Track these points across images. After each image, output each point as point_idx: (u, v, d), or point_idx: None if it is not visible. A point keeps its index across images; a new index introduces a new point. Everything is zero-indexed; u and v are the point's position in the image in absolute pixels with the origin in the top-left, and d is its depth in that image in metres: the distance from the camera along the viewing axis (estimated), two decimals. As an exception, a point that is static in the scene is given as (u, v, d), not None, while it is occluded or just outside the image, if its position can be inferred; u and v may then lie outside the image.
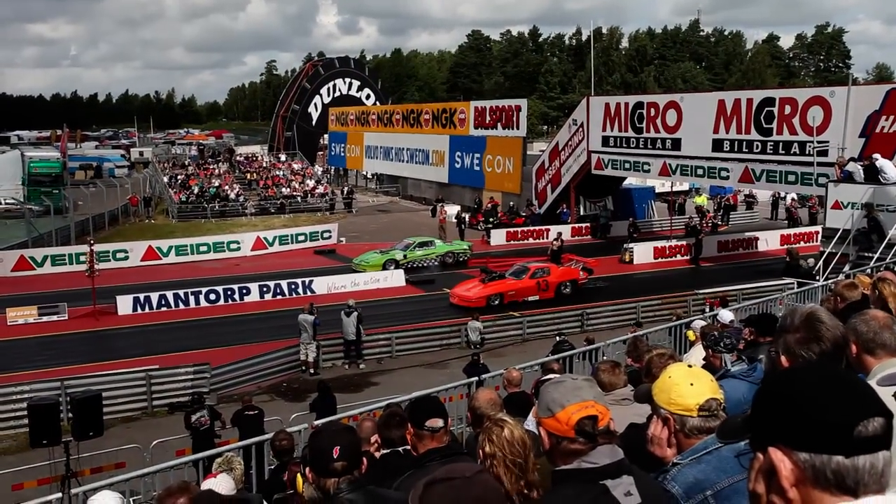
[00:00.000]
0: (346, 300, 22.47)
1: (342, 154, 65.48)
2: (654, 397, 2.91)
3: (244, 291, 28.00)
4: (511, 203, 43.66)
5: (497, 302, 26.31)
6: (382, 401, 11.69)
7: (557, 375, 7.79)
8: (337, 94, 70.48)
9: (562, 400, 2.61)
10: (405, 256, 32.67)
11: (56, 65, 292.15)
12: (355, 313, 21.39)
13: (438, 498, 2.28)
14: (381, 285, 29.22)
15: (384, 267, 31.69)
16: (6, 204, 48.86)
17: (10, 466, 14.07)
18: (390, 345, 22.46)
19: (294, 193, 52.23)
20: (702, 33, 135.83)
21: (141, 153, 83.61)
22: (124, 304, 26.45)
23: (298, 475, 3.61)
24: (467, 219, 40.52)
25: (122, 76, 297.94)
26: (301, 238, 39.22)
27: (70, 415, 14.05)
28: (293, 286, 28.49)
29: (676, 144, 34.33)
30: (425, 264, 32.80)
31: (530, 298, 26.70)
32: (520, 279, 27.21)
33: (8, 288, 29.72)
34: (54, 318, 25.52)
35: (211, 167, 56.21)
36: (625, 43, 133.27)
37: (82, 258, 29.01)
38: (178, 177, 52.83)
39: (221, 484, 6.82)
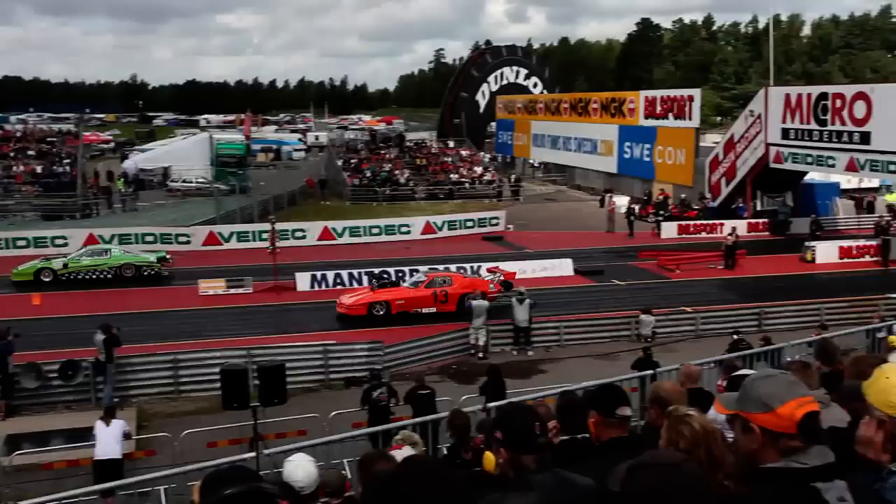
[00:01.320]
0: (518, 287, 22.65)
1: (509, 142, 65.71)
2: (869, 398, 2.79)
3: (414, 274, 28.74)
4: (683, 195, 42.50)
5: (382, 312, 24.07)
6: (554, 388, 11.80)
7: (753, 371, 7.63)
8: (504, 82, 70.59)
9: (781, 395, 2.51)
10: (66, 266, 28.63)
11: (240, 53, 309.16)
12: (527, 301, 21.55)
13: (644, 483, 2.23)
14: (548, 274, 29.17)
15: (36, 276, 28.14)
16: (197, 183, 52.14)
17: (205, 425, 15.12)
18: (559, 333, 22.41)
19: (462, 179, 52.92)
20: (895, 20, 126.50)
21: (316, 137, 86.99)
22: (303, 281, 27.83)
23: (488, 453, 3.70)
24: (637, 210, 39.85)
25: (300, 64, 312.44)
26: (469, 224, 39.67)
27: (257, 382, 15.01)
28: (462, 271, 29.00)
29: (865, 138, 32.27)
30: (94, 276, 28.69)
31: (424, 310, 24.33)
32: (415, 288, 25.00)
33: (199, 261, 31.80)
34: (240, 290, 27.17)
35: (382, 152, 57.83)
36: (806, 31, 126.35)
37: (264, 235, 30.61)
38: (352, 161, 54.69)
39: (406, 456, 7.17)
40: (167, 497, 11.75)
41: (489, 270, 27.59)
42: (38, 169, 46.29)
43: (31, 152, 49.08)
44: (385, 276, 26.75)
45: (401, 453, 7.37)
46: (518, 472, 3.28)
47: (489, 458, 3.56)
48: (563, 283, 28.67)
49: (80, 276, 28.56)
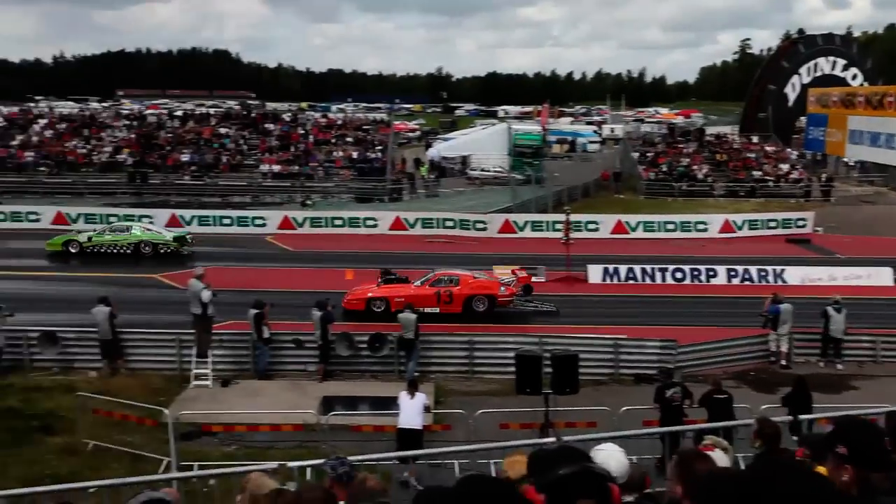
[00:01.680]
0: (834, 296, 20.95)
1: (821, 138, 61.11)
2: None
3: (711, 273, 27.69)
4: None
5: (382, 308, 23.03)
6: (873, 407, 10.79)
7: None
8: (818, 73, 65.52)
9: None
10: (90, 239, 30.25)
11: (540, 45, 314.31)
12: (845, 310, 19.97)
13: None
14: (863, 282, 26.77)
15: (63, 246, 30.04)
16: (494, 171, 53.94)
17: (496, 407, 15.57)
18: (874, 348, 20.49)
19: (766, 177, 49.95)
20: None
21: (612, 130, 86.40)
22: (595, 273, 27.81)
23: (821, 468, 3.48)
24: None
25: (598, 55, 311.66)
26: (772, 224, 37.55)
27: (549, 370, 15.23)
28: (763, 273, 27.50)
29: None
30: (115, 251, 29.96)
31: (427, 310, 22.49)
32: (419, 287, 23.56)
33: (495, 247, 32.99)
34: (533, 279, 27.66)
35: (680, 146, 56.14)
36: None
37: (558, 226, 30.97)
38: (648, 154, 53.66)
39: (719, 460, 6.88)
40: (461, 471, 12.26)
41: (513, 272, 26.05)
42: (354, 154, 50.32)
43: (349, 139, 53.41)
44: (394, 273, 25.05)
45: (712, 455, 7.09)
46: (864, 490, 3.08)
47: (823, 473, 3.39)
48: (880, 293, 26.16)
49: (102, 251, 30.27)
